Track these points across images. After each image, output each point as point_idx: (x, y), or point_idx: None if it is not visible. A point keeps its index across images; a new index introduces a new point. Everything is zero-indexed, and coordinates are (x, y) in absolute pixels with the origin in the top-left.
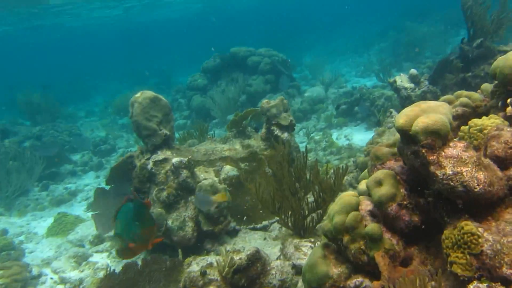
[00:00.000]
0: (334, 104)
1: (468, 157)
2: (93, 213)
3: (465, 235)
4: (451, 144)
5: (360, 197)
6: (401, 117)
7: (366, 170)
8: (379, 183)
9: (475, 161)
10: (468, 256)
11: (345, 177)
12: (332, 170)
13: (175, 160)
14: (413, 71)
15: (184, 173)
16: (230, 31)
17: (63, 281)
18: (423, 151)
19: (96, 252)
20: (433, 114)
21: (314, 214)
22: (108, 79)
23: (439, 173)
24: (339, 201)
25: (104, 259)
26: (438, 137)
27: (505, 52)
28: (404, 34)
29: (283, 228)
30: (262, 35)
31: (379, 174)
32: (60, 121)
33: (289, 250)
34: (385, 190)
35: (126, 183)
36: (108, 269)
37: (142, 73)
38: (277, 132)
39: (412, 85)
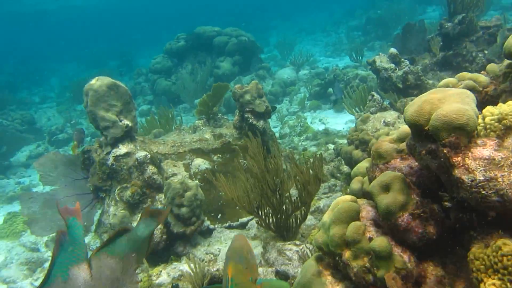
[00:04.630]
0: (306, 86)
1: (502, 158)
2: (26, 219)
3: (505, 258)
4: (478, 141)
5: (359, 201)
6: (413, 109)
7: (357, 166)
8: (386, 188)
9: None
10: (509, 285)
11: (327, 167)
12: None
13: (139, 154)
14: (392, 50)
15: (150, 168)
16: (193, 10)
17: None
18: (445, 151)
19: None
20: (456, 105)
21: (297, 213)
22: (64, 61)
23: (466, 178)
24: (335, 207)
25: None
26: (464, 134)
27: (488, 27)
28: (372, 12)
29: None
30: (227, 14)
31: (385, 177)
32: (12, 108)
33: (272, 255)
34: (393, 197)
35: (77, 182)
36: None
37: (101, 55)
38: (252, 120)
39: (392, 66)
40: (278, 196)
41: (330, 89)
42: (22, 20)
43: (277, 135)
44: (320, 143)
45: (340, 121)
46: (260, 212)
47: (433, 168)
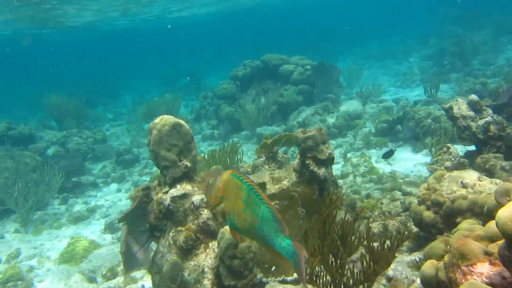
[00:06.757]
0: (373, 121)
1: None
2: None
3: None
4: None
5: None
6: (509, 213)
7: (431, 246)
8: None
9: None
10: None
11: (392, 222)
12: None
13: (195, 198)
14: (473, 97)
15: (205, 213)
16: (261, 33)
17: None
18: None
19: None
20: None
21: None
22: (137, 78)
23: None
24: None
25: None
26: None
27: None
28: (448, 42)
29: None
30: (294, 38)
31: None
32: (87, 124)
33: None
34: None
35: (139, 218)
36: None
37: (171, 74)
38: (313, 167)
39: (472, 114)
40: (340, 265)
41: (399, 126)
42: (105, 38)
43: (338, 172)
44: (385, 188)
45: (408, 163)
46: (317, 280)
47: None
